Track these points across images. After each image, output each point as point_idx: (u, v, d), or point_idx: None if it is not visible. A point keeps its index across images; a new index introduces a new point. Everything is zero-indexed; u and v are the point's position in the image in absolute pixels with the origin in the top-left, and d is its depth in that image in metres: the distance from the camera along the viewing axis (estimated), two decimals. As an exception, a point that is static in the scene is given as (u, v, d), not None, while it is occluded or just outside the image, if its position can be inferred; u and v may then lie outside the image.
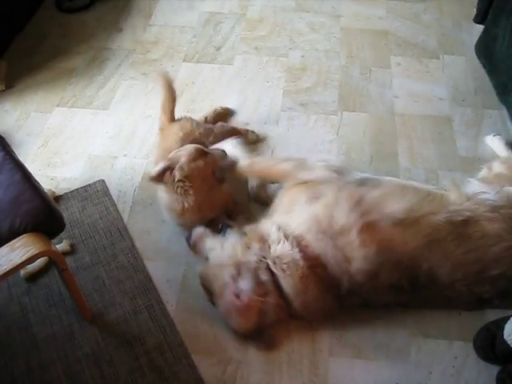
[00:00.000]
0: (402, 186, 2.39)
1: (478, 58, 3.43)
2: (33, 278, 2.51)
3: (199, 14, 3.96)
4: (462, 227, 2.17)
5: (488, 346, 2.22)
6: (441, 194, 2.30)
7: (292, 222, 2.28)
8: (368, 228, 2.17)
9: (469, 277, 2.19)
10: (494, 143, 2.95)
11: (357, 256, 2.15)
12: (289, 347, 2.31)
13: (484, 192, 2.27)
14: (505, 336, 2.16)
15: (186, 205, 2.45)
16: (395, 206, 2.21)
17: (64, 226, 2.07)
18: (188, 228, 2.52)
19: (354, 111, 3.22)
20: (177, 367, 2.24)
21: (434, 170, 2.87)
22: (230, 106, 3.24)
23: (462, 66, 3.49)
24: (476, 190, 2.30)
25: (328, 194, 2.29)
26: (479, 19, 3.54)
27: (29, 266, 2.41)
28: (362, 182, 2.38)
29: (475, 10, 3.63)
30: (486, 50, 3.35)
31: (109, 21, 3.94)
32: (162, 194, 2.53)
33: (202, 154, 2.47)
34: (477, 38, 3.51)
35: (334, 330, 2.34)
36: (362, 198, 2.25)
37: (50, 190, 2.78)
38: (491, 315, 2.33)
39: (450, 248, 2.16)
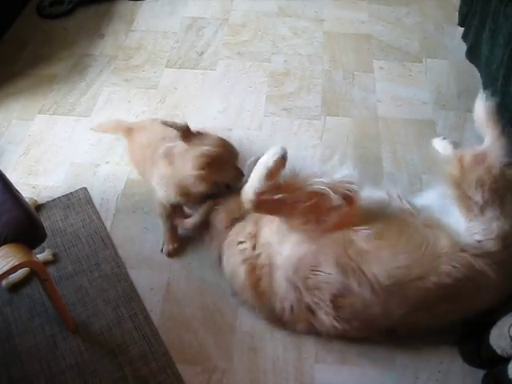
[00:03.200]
0: (399, 230, 2.16)
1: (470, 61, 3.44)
2: (15, 288, 2.49)
3: (181, 19, 3.95)
4: (452, 289, 2.08)
5: (473, 351, 2.22)
6: (433, 243, 2.10)
7: (281, 250, 2.20)
8: (343, 293, 2.10)
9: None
10: (442, 146, 2.98)
11: (326, 320, 2.16)
12: (274, 355, 2.29)
13: (478, 241, 2.11)
14: (490, 341, 2.15)
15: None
16: (380, 268, 2.06)
17: (45, 236, 2.05)
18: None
19: (337, 116, 3.21)
20: (161, 377, 2.23)
21: (418, 174, 2.87)
22: (212, 111, 3.24)
23: (445, 69, 3.50)
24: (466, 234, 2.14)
25: (319, 239, 2.15)
26: (462, 23, 3.56)
27: (10, 276, 2.38)
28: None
29: (457, 13, 3.65)
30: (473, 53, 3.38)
31: (90, 27, 3.91)
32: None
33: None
34: (459, 42, 3.53)
35: (319, 337, 2.33)
36: (348, 248, 2.10)
37: (31, 198, 2.76)
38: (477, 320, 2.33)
39: (440, 310, 2.14)
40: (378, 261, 2.06)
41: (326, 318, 2.15)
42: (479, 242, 2.10)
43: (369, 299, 2.07)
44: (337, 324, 2.14)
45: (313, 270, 2.11)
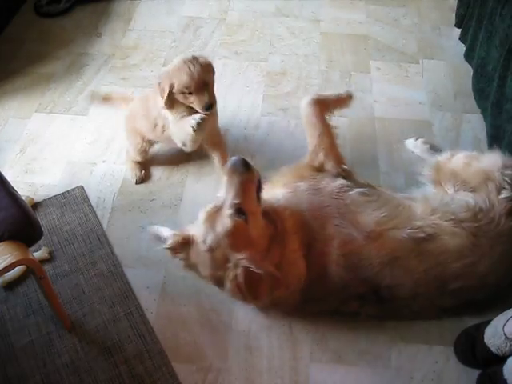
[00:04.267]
0: (378, 194, 2.40)
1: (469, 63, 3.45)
2: (11, 286, 2.49)
3: (179, 18, 3.95)
4: (424, 243, 2.19)
5: (468, 349, 2.23)
6: (409, 206, 2.32)
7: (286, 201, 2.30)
8: (345, 242, 2.19)
9: (430, 291, 2.23)
10: (417, 147, 2.99)
11: (330, 268, 2.18)
12: (269, 354, 2.30)
13: (447, 204, 2.29)
14: (485, 340, 2.17)
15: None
16: (367, 218, 2.24)
17: (42, 234, 2.05)
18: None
19: (333, 116, 3.21)
20: (157, 375, 2.23)
21: (414, 174, 2.87)
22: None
23: (442, 70, 3.50)
24: (438, 199, 2.35)
25: (324, 195, 2.31)
26: (459, 24, 3.57)
27: (6, 274, 2.37)
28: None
29: (454, 14, 3.66)
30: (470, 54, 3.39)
31: (88, 25, 3.91)
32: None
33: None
34: (456, 43, 3.54)
35: (314, 336, 2.34)
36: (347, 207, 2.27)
37: (28, 196, 2.76)
38: (471, 320, 2.34)
39: (411, 265, 2.19)
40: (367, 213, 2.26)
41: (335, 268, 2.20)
42: (452, 210, 2.26)
43: (363, 244, 2.18)
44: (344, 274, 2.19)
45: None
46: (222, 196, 2.10)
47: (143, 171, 2.95)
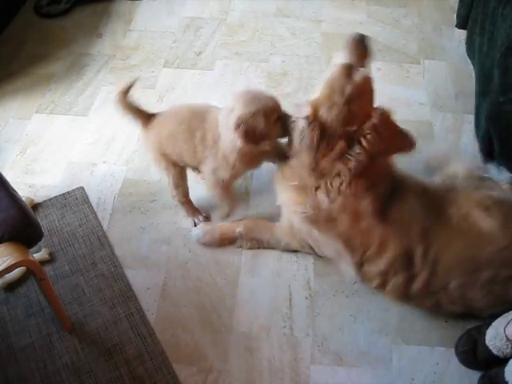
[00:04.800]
0: None
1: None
2: (11, 287, 2.48)
3: (179, 19, 3.95)
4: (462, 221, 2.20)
5: (470, 351, 2.22)
6: None
7: None
8: None
9: (463, 275, 2.18)
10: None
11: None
12: (270, 355, 2.29)
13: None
14: (486, 341, 2.17)
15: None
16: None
17: (42, 235, 2.04)
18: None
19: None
20: (157, 376, 2.22)
21: (415, 175, 2.86)
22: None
23: (443, 70, 3.50)
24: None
25: None
26: (460, 24, 3.56)
27: (6, 275, 2.37)
28: None
29: (455, 15, 3.65)
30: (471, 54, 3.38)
31: (88, 26, 3.91)
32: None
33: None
34: (457, 43, 3.54)
35: (315, 337, 2.33)
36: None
37: (28, 197, 2.76)
38: (472, 321, 2.33)
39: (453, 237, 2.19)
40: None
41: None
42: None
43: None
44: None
45: None
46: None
47: (203, 214, 2.75)
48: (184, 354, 2.31)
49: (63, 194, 2.85)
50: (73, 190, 2.87)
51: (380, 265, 2.23)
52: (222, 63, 3.59)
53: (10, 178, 2.20)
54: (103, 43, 3.78)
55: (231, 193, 2.56)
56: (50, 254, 2.59)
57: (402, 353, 2.29)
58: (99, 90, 3.43)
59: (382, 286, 2.31)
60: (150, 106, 3.25)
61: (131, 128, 3.14)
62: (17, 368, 2.26)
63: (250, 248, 2.62)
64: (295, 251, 2.59)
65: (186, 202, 2.70)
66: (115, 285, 2.51)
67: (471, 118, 3.15)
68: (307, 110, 2.07)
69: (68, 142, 3.13)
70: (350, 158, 2.11)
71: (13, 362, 2.27)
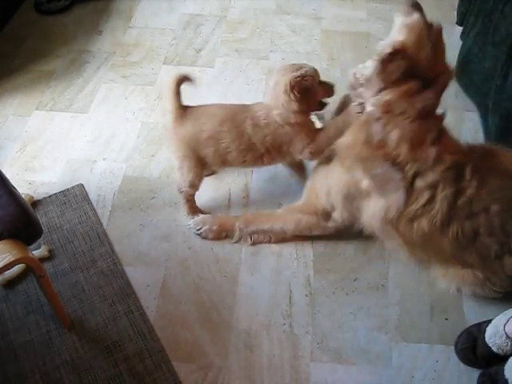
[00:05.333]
0: None
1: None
2: (10, 284, 2.48)
3: (179, 16, 3.94)
4: None
5: (469, 349, 2.22)
6: None
7: None
8: None
9: (506, 202, 2.17)
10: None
11: None
12: (270, 352, 2.29)
13: None
14: (486, 339, 2.17)
15: None
16: None
17: (41, 232, 2.04)
18: None
19: (335, 114, 3.21)
20: (157, 374, 2.22)
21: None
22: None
23: (443, 68, 3.49)
24: None
25: None
26: (460, 22, 3.55)
27: (6, 272, 2.37)
28: None
29: (455, 12, 3.64)
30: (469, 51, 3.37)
31: (88, 23, 3.90)
32: None
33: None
34: (457, 41, 3.52)
35: (314, 335, 2.33)
36: None
37: (28, 194, 2.75)
38: (472, 319, 2.34)
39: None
40: None
41: None
42: None
43: None
44: None
45: None
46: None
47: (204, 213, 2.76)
48: (184, 352, 2.30)
49: (63, 191, 2.85)
50: (72, 187, 2.87)
51: (432, 176, 2.17)
52: (221, 60, 3.58)
53: (9, 174, 2.20)
54: (103, 40, 3.77)
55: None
56: (50, 251, 2.59)
57: (402, 350, 2.29)
58: (99, 87, 3.42)
59: (429, 201, 2.21)
60: (149, 103, 3.28)
61: (131, 125, 3.15)
62: (16, 365, 2.25)
63: (255, 243, 2.62)
64: (295, 249, 2.60)
65: (192, 199, 2.70)
66: (115, 282, 2.50)
67: (471, 115, 3.15)
68: (395, 44, 2.12)
69: (68, 139, 3.13)
70: (419, 99, 2.10)
71: (12, 359, 2.27)
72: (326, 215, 2.50)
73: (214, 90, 3.38)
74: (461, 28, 3.57)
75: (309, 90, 2.37)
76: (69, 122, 3.22)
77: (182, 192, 2.65)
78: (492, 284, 2.31)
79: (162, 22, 3.90)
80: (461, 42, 3.53)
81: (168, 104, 2.51)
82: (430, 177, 2.15)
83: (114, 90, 3.40)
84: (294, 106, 2.36)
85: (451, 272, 2.37)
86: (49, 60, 3.62)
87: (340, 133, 2.33)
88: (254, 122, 2.43)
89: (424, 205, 2.20)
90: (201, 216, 2.70)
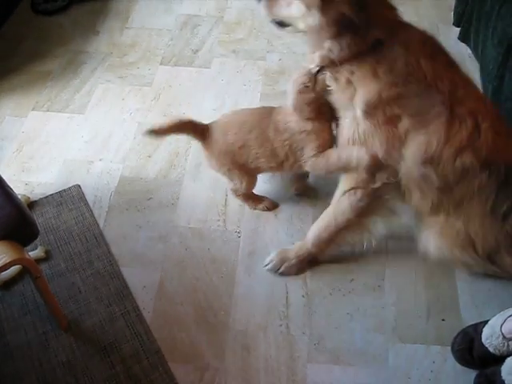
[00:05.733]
0: None
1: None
2: (6, 285, 2.47)
3: (176, 16, 3.94)
4: None
5: (466, 349, 2.22)
6: None
7: None
8: None
9: None
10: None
11: None
12: (266, 353, 2.29)
13: None
14: (483, 340, 2.16)
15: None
16: None
17: (38, 233, 2.04)
18: None
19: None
20: (153, 375, 2.22)
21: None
22: (207, 108, 3.24)
23: (440, 69, 3.49)
24: None
25: None
26: (457, 23, 3.56)
27: (2, 273, 2.37)
28: None
29: (452, 13, 3.65)
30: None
31: (85, 23, 3.90)
32: None
33: None
34: (454, 42, 3.54)
35: (311, 336, 2.33)
36: None
37: (24, 195, 2.75)
38: (469, 319, 2.34)
39: None
40: None
41: None
42: None
43: None
44: None
45: None
46: None
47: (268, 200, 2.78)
48: (180, 353, 2.30)
49: (59, 192, 2.84)
50: (69, 188, 2.86)
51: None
52: (218, 61, 3.58)
53: (6, 175, 2.20)
54: (100, 41, 3.76)
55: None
56: (46, 252, 2.58)
57: (399, 351, 2.29)
58: (96, 87, 3.42)
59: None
60: (146, 104, 3.28)
61: (128, 126, 3.15)
62: (12, 366, 2.25)
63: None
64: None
65: (251, 195, 2.72)
66: (111, 283, 2.50)
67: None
68: None
69: (64, 140, 3.13)
70: None
71: (8, 360, 2.26)
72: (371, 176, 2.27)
73: (210, 90, 3.37)
74: (458, 29, 3.58)
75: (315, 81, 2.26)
76: (65, 123, 3.22)
77: (239, 195, 2.69)
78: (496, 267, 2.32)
79: (158, 23, 3.89)
80: (458, 43, 3.55)
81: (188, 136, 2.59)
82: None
83: (111, 91, 3.40)
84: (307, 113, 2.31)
85: (453, 233, 2.28)
86: (46, 60, 3.61)
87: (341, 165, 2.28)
88: (275, 126, 2.40)
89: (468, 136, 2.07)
90: (274, 254, 2.57)
